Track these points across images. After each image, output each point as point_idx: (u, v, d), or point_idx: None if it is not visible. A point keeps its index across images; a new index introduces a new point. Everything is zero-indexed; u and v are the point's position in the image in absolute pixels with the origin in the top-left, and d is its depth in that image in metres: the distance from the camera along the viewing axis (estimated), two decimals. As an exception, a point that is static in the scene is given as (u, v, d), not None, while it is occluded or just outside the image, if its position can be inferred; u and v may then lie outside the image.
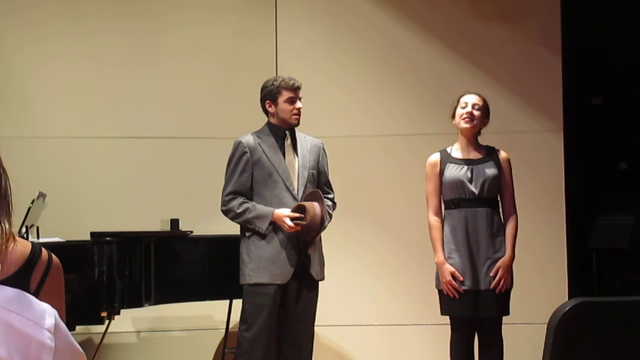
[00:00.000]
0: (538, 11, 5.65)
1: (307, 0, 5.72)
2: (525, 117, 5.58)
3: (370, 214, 5.56)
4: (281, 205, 4.28)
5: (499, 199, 4.28)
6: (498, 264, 4.16)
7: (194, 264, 4.85)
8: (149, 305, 4.59)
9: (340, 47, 5.67)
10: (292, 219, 4.21)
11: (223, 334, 5.22)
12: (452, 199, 4.23)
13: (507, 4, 5.67)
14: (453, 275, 4.12)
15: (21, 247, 1.64)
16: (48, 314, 1.34)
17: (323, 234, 4.37)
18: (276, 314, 4.28)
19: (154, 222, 5.24)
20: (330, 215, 4.44)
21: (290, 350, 4.35)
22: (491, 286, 4.13)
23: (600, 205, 6.62)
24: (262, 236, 4.28)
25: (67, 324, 1.39)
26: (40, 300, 1.38)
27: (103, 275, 4.35)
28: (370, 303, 5.56)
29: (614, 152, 6.77)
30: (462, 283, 4.13)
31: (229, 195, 4.33)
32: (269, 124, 4.43)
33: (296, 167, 4.39)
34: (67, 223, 5.05)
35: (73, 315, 3.69)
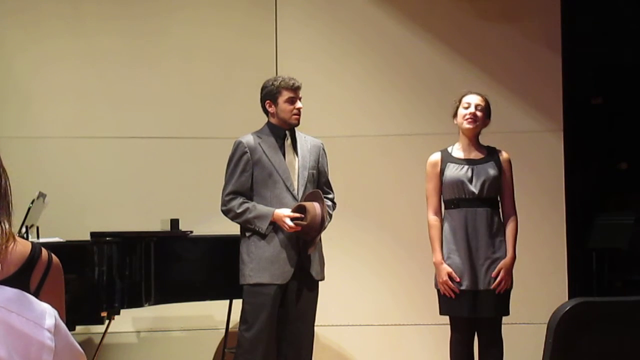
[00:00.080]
0: (538, 11, 5.64)
1: (307, 0, 5.72)
2: (525, 117, 5.57)
3: (370, 214, 5.56)
4: (281, 205, 4.28)
5: (499, 199, 4.28)
6: (500, 265, 4.15)
7: (194, 264, 4.84)
8: (149, 305, 4.58)
9: (340, 47, 5.67)
10: (292, 219, 4.20)
11: (223, 334, 5.22)
12: (452, 198, 4.22)
13: (507, 4, 5.66)
14: (450, 276, 4.12)
15: (21, 247, 1.64)
16: (48, 314, 1.34)
17: (323, 234, 4.37)
18: (276, 314, 4.27)
19: (154, 222, 5.24)
20: (331, 216, 4.43)
21: (290, 350, 4.34)
22: (491, 287, 4.13)
23: (600, 205, 6.63)
24: (262, 236, 4.27)
25: (67, 324, 1.38)
26: (40, 300, 1.37)
27: (103, 275, 4.34)
28: (370, 303, 5.55)
29: (614, 152, 6.77)
30: (459, 284, 4.13)
31: (229, 195, 4.33)
32: (269, 124, 4.43)
33: (296, 167, 4.38)
34: (67, 223, 5.04)
35: (73, 315, 3.66)
